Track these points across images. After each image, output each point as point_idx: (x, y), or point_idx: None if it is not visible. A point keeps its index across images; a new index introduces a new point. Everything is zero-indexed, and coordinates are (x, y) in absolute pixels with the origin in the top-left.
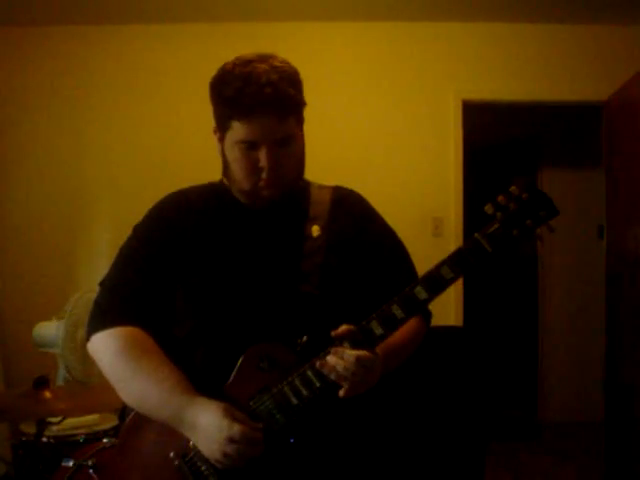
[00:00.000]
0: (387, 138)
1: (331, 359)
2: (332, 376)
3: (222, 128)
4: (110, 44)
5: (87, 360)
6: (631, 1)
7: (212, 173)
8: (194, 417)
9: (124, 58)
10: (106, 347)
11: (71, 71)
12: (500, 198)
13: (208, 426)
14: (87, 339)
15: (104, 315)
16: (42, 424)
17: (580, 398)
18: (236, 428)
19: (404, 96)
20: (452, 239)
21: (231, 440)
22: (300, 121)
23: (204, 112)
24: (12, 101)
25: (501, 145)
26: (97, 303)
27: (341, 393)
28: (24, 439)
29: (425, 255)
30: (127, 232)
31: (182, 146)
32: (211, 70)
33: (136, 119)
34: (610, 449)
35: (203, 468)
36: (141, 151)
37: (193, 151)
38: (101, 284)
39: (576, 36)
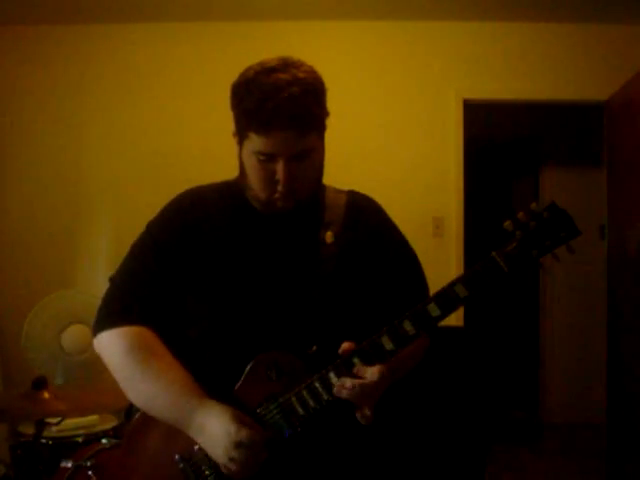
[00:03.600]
0: (387, 137)
1: (346, 381)
2: (345, 395)
3: (240, 135)
4: (110, 43)
5: (57, 360)
6: (633, 0)
7: (213, 173)
8: (202, 420)
9: (124, 57)
10: (115, 346)
11: (70, 70)
12: (520, 215)
13: (216, 430)
14: (94, 335)
15: (114, 313)
16: (41, 425)
17: (582, 399)
18: (244, 433)
19: (405, 95)
20: (452, 239)
21: (238, 445)
22: (322, 133)
23: (205, 112)
24: (11, 99)
25: (502, 144)
26: (106, 300)
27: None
28: (23, 440)
29: (425, 255)
30: (126, 232)
31: (182, 146)
32: (213, 69)
33: (136, 118)
34: (612, 450)
35: (207, 473)
36: (140, 151)
37: (193, 151)
38: (111, 280)
39: (577, 35)
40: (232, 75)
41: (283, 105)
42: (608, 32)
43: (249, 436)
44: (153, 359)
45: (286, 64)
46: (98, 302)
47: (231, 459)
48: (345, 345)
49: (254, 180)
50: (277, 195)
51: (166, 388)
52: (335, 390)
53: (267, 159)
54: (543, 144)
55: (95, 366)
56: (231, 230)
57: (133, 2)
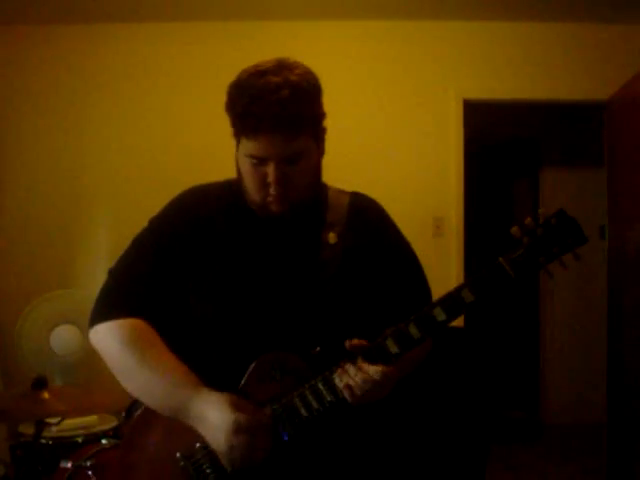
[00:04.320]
0: (387, 137)
1: (350, 369)
2: (346, 386)
3: (235, 137)
4: (111, 43)
5: (47, 360)
6: (633, 0)
7: (212, 174)
8: (201, 409)
9: (125, 57)
10: (112, 338)
11: (71, 70)
12: (527, 221)
13: (214, 418)
14: (90, 327)
15: (111, 305)
16: (40, 425)
17: (582, 399)
18: (242, 418)
19: (404, 95)
20: (453, 239)
21: (237, 431)
22: (317, 135)
23: (205, 112)
24: (11, 100)
25: (502, 144)
26: (105, 292)
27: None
28: (22, 440)
29: (426, 255)
30: (125, 232)
31: (182, 147)
32: (214, 70)
33: (136, 118)
34: (612, 450)
35: (208, 471)
36: (140, 150)
37: (193, 151)
38: (110, 272)
39: (577, 35)
40: (231, 75)
41: (270, 108)
42: (608, 32)
43: (248, 421)
44: (151, 349)
45: (280, 66)
46: (90, 300)
47: (232, 447)
48: (354, 341)
49: (248, 183)
50: (270, 198)
51: (164, 378)
52: (337, 373)
53: (259, 162)
54: (543, 144)
55: (85, 367)
56: (234, 230)
57: (132, 2)
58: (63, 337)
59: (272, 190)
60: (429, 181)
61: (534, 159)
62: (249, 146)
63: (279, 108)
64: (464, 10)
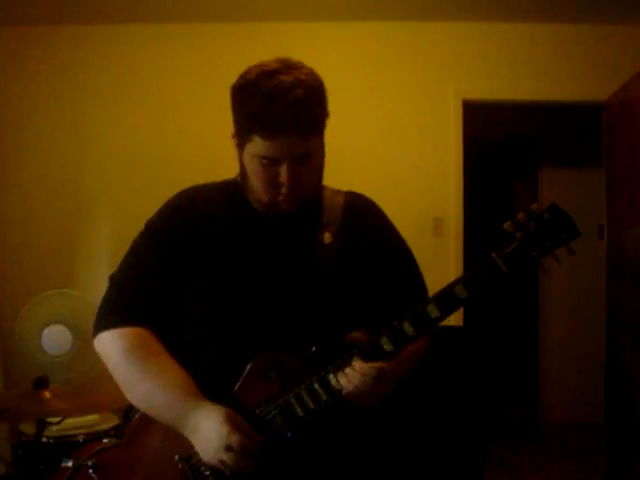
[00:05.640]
0: (387, 138)
1: (346, 369)
2: (346, 385)
3: (242, 138)
4: (111, 44)
5: (39, 360)
6: (631, 1)
7: (212, 176)
8: (197, 421)
9: (125, 58)
10: (115, 346)
11: (71, 71)
12: (520, 216)
13: (209, 431)
14: (93, 335)
15: (113, 313)
16: (42, 424)
17: (580, 398)
18: (235, 437)
19: (404, 96)
20: (452, 239)
21: (228, 448)
22: (322, 134)
23: (205, 114)
24: (12, 100)
25: (501, 145)
26: (107, 300)
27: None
28: (24, 439)
29: (425, 255)
30: (126, 234)
31: (182, 147)
32: (213, 71)
33: (136, 119)
34: (611, 450)
35: (206, 473)
36: (141, 151)
37: (193, 153)
38: (111, 279)
39: (576, 36)
40: (231, 77)
41: (288, 109)
42: (607, 32)
43: (240, 441)
44: (152, 360)
45: (287, 66)
46: (80, 301)
47: (220, 461)
48: (355, 334)
49: (256, 183)
50: (281, 198)
51: (163, 388)
52: (332, 373)
53: (270, 162)
54: (542, 144)
55: (75, 366)
56: (230, 230)
57: (132, 3)
58: (53, 337)
59: (284, 190)
60: (429, 181)
61: (533, 159)
62: (262, 147)
63: (297, 109)
64: (463, 11)
